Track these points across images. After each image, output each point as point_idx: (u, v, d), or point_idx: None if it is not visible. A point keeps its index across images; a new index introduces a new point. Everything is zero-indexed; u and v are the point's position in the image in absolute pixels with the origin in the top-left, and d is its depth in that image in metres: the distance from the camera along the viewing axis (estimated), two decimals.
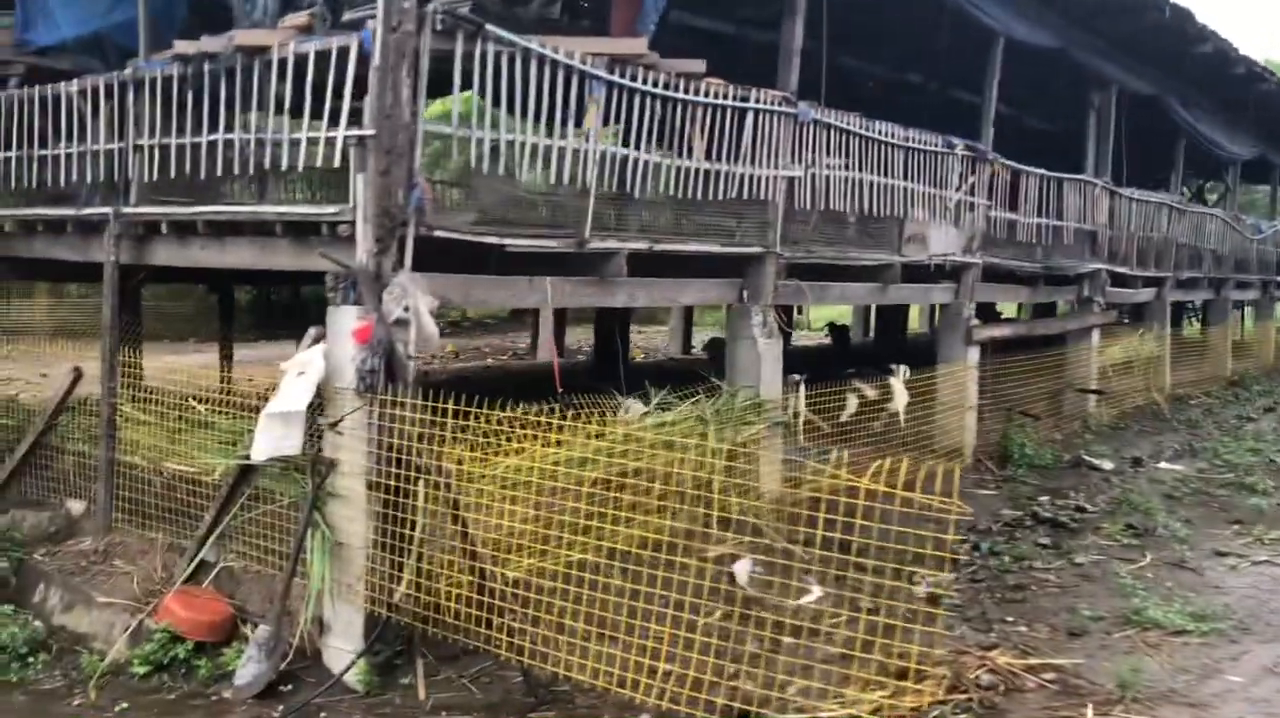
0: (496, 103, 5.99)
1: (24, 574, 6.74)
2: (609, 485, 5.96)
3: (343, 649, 5.58)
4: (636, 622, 5.00)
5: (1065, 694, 5.29)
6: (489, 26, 5.83)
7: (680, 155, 7.22)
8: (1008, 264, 11.67)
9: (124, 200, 6.98)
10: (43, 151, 7.50)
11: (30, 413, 7.95)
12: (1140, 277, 15.01)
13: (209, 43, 6.35)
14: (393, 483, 5.40)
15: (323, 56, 5.76)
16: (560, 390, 6.48)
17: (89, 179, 7.24)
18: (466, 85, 5.89)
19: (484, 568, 5.47)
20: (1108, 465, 10.94)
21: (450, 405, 5.23)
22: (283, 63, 5.93)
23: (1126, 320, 15.15)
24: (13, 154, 7.70)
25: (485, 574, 5.44)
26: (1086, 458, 11.11)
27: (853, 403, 8.31)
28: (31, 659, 5.96)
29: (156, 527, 6.64)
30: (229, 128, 6.29)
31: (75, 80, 7.27)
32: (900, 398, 9.11)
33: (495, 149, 6.07)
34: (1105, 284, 13.68)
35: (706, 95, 7.26)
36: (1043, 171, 11.96)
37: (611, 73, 6.56)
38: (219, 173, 6.39)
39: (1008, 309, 22.65)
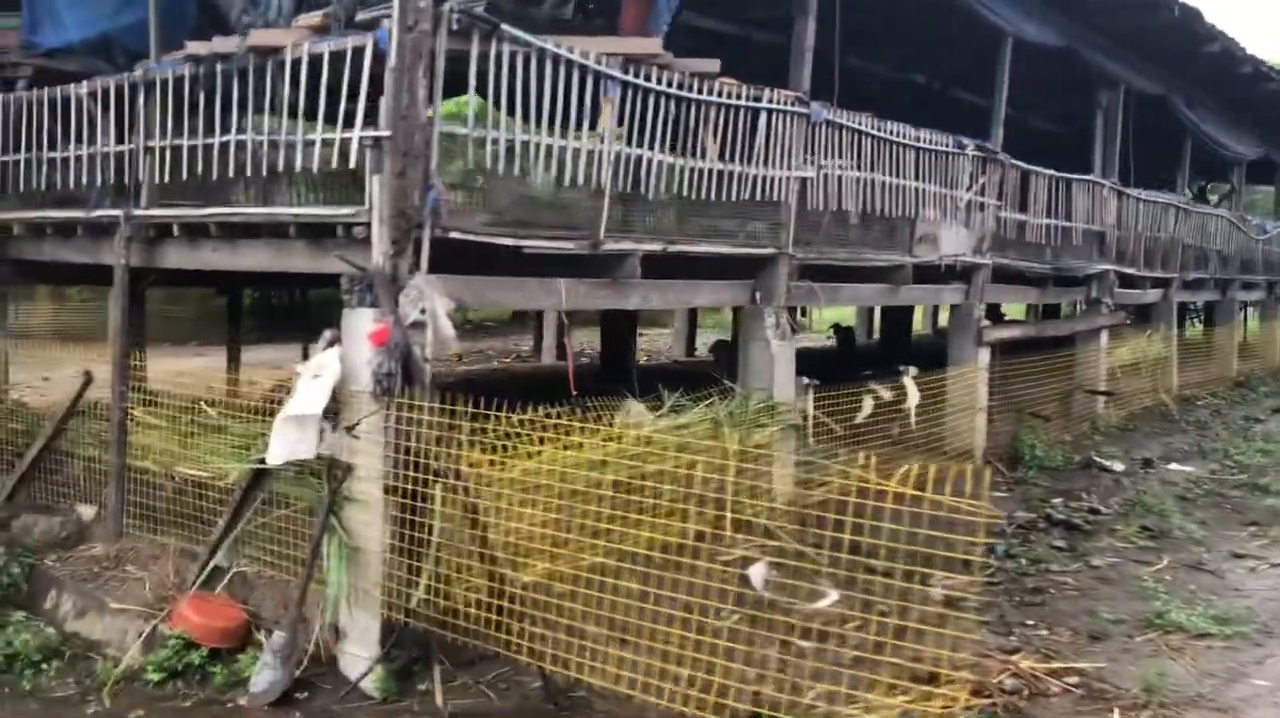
0: (511, 104, 5.93)
1: (35, 580, 6.67)
2: (625, 488, 5.92)
3: (359, 656, 5.52)
4: (653, 626, 4.95)
5: (1090, 699, 5.25)
6: (504, 26, 5.78)
7: (693, 156, 7.17)
8: (1017, 265, 11.63)
9: (134, 203, 6.93)
10: (52, 154, 7.45)
11: (39, 417, 7.89)
12: (1147, 277, 14.98)
13: (221, 43, 6.30)
14: (410, 487, 5.34)
15: (337, 57, 5.71)
16: (575, 393, 6.42)
17: (99, 181, 7.18)
18: (478, 87, 5.84)
19: (502, 573, 5.42)
20: (1118, 467, 10.91)
21: (467, 408, 5.18)
22: (296, 63, 5.88)
23: (1129, 321, 15.12)
24: (21, 156, 7.64)
25: (503, 579, 5.39)
26: (1097, 459, 11.07)
27: (869, 404, 8.26)
28: (44, 666, 5.89)
29: (168, 532, 6.58)
30: (241, 129, 6.24)
31: (85, 82, 7.21)
32: (912, 397, 9.08)
33: (510, 150, 6.02)
34: (1113, 285, 13.65)
35: (720, 95, 7.22)
36: (1052, 172, 11.92)
37: (626, 73, 6.51)
38: (231, 175, 6.34)
39: (1011, 311, 22.64)
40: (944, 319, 27.29)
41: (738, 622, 5.50)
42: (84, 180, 7.28)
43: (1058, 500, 9.36)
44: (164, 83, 6.65)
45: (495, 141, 5.94)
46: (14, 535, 7.03)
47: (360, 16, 5.70)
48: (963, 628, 5.02)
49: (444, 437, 5.30)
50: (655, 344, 24.27)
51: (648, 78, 6.66)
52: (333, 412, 5.54)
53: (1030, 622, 6.37)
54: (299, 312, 16.73)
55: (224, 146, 6.32)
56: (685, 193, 7.16)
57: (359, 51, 5.61)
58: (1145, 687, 5.23)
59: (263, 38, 6.11)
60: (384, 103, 5.45)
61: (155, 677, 5.60)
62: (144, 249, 7.07)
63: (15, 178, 7.72)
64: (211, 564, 6.17)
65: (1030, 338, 12.66)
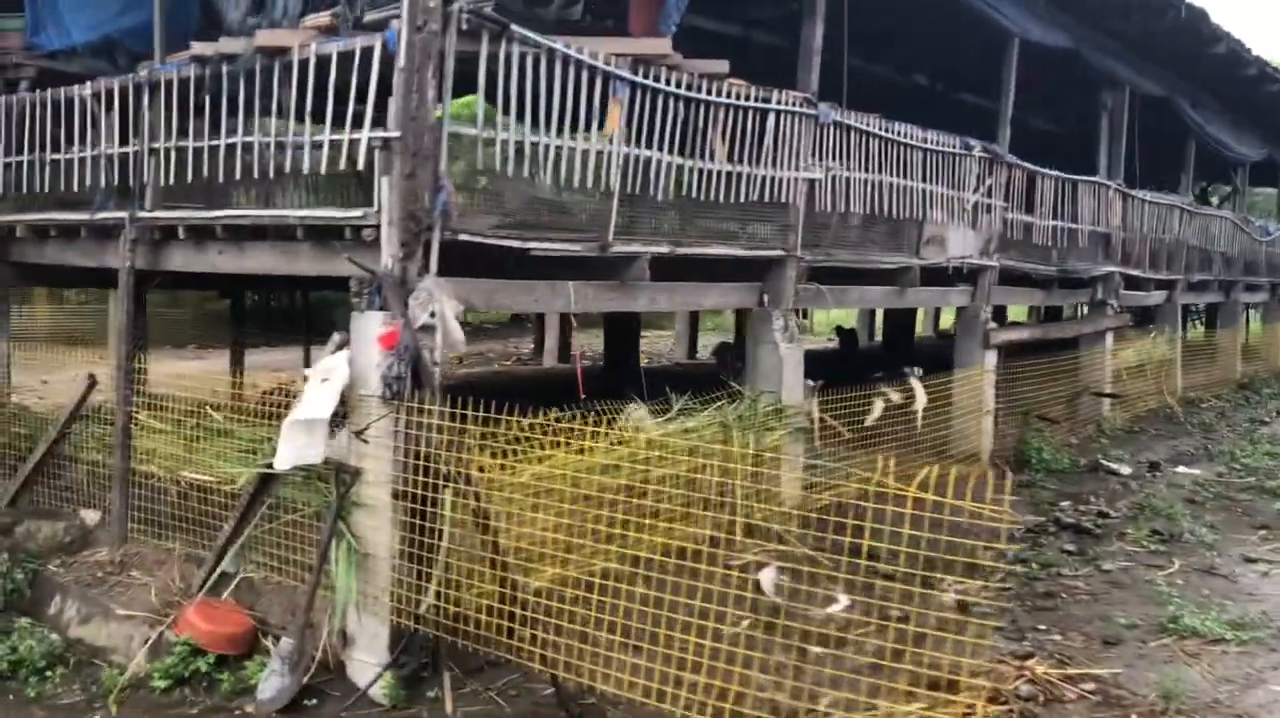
0: (520, 105, 5.88)
1: (39, 586, 6.61)
2: (635, 492, 5.87)
3: (368, 662, 5.46)
4: (664, 631, 4.90)
5: (1107, 705, 5.20)
6: (514, 27, 5.73)
7: (701, 157, 7.12)
8: (1023, 267, 11.59)
9: (139, 205, 6.87)
10: (55, 156, 7.38)
11: (42, 421, 7.83)
12: (1152, 279, 14.95)
13: (227, 44, 6.25)
14: (419, 491, 5.29)
15: (345, 58, 5.66)
16: (584, 396, 6.37)
17: (103, 184, 7.12)
18: (487, 88, 5.78)
19: (513, 578, 5.36)
20: (1125, 470, 10.86)
21: (477, 413, 5.13)
22: (304, 64, 5.83)
23: (1131, 323, 15.09)
24: (24, 158, 7.58)
25: (514, 585, 5.33)
26: (1104, 462, 11.02)
27: (879, 407, 8.21)
28: (49, 673, 5.82)
29: (173, 537, 6.53)
30: (248, 131, 6.18)
31: (89, 83, 7.15)
32: (920, 399, 9.04)
33: (519, 151, 5.97)
34: (1119, 287, 13.62)
35: (729, 96, 7.17)
36: (1058, 174, 11.89)
37: (635, 74, 6.46)
38: (237, 177, 6.28)
39: (1012, 313, 22.60)
40: (945, 321, 27.36)
41: (750, 628, 5.45)
42: (88, 182, 7.21)
43: (1066, 504, 9.30)
44: (169, 84, 6.60)
45: (504, 143, 5.89)
46: (17, 541, 6.96)
47: (369, 17, 5.65)
48: (976, 634, 4.98)
49: (454, 441, 5.24)
50: (655, 346, 24.23)
51: (657, 79, 6.61)
52: (341, 415, 5.48)
53: (1043, 627, 6.31)
54: (299, 315, 16.65)
55: (230, 148, 6.26)
56: (694, 194, 7.12)
57: (367, 52, 5.56)
58: (1163, 693, 5.17)
59: (270, 38, 6.06)
60: (393, 103, 5.40)
61: (161, 684, 5.54)
62: (149, 252, 7.01)
63: (18, 180, 7.65)
64: (218, 570, 6.11)
65: (1037, 340, 12.61)
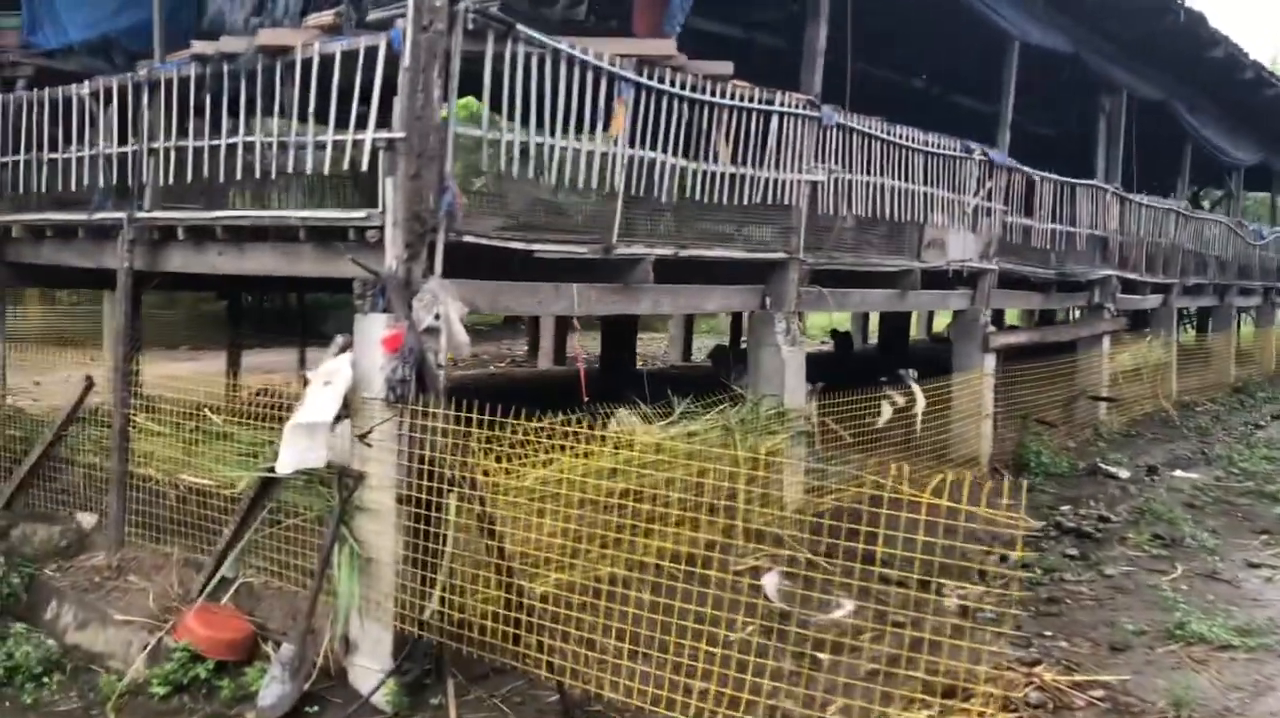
0: (525, 105, 5.83)
1: (35, 591, 6.53)
2: (638, 497, 5.82)
3: (370, 669, 5.40)
4: (669, 638, 4.85)
5: (1117, 713, 5.16)
6: (520, 27, 5.68)
7: (705, 159, 7.08)
8: (1022, 270, 11.57)
9: (138, 205, 6.80)
10: (53, 155, 7.30)
11: (37, 423, 7.75)
12: (1148, 283, 14.95)
13: (228, 43, 6.18)
14: (423, 496, 5.23)
15: (349, 57, 5.60)
16: (587, 399, 6.32)
17: (101, 183, 7.04)
18: (492, 88, 5.73)
19: (517, 584, 5.31)
20: (1124, 474, 10.84)
21: (483, 417, 5.07)
22: (307, 63, 5.76)
23: (1126, 326, 15.08)
24: (21, 158, 7.50)
25: (519, 590, 5.28)
26: (1102, 466, 11.01)
27: (887, 410, 8.18)
28: (46, 679, 5.75)
29: (171, 541, 6.45)
30: (249, 131, 6.12)
31: (87, 82, 7.08)
32: (920, 402, 9.02)
33: (524, 152, 5.92)
34: (1116, 290, 13.62)
35: (733, 98, 7.13)
36: (1057, 177, 11.87)
37: (640, 74, 6.42)
38: (238, 177, 6.21)
39: (1009, 317, 22.64)
40: (939, 324, 27.39)
41: (753, 633, 5.41)
42: (85, 182, 7.14)
43: (1066, 508, 9.28)
44: (169, 83, 6.53)
45: (509, 144, 5.83)
46: (13, 545, 6.89)
47: (372, 16, 5.59)
48: (983, 640, 4.94)
49: (459, 444, 5.19)
50: (649, 349, 24.17)
51: (661, 79, 6.56)
52: (344, 418, 5.42)
53: (1049, 633, 6.26)
54: (293, 316, 16.57)
55: (230, 148, 6.20)
56: (698, 197, 7.07)
57: (372, 52, 5.50)
58: (1173, 701, 5.14)
59: (272, 37, 6.00)
60: (398, 104, 5.34)
61: (160, 690, 5.46)
62: (147, 252, 6.93)
63: (14, 179, 7.57)
64: (218, 575, 6.03)
65: (1036, 343, 12.60)
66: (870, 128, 8.55)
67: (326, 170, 5.81)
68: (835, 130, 8.15)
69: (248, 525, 6.01)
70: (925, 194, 9.32)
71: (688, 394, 7.43)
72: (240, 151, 6.16)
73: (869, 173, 8.61)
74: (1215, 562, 7.81)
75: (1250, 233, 19.32)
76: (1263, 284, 20.31)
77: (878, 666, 4.96)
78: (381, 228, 5.43)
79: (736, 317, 20.54)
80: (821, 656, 5.15)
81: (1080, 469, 10.95)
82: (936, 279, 10.06)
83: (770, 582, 6.34)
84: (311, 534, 5.73)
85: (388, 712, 5.25)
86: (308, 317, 13.92)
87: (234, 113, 6.19)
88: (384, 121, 5.48)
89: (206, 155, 6.33)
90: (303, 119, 5.86)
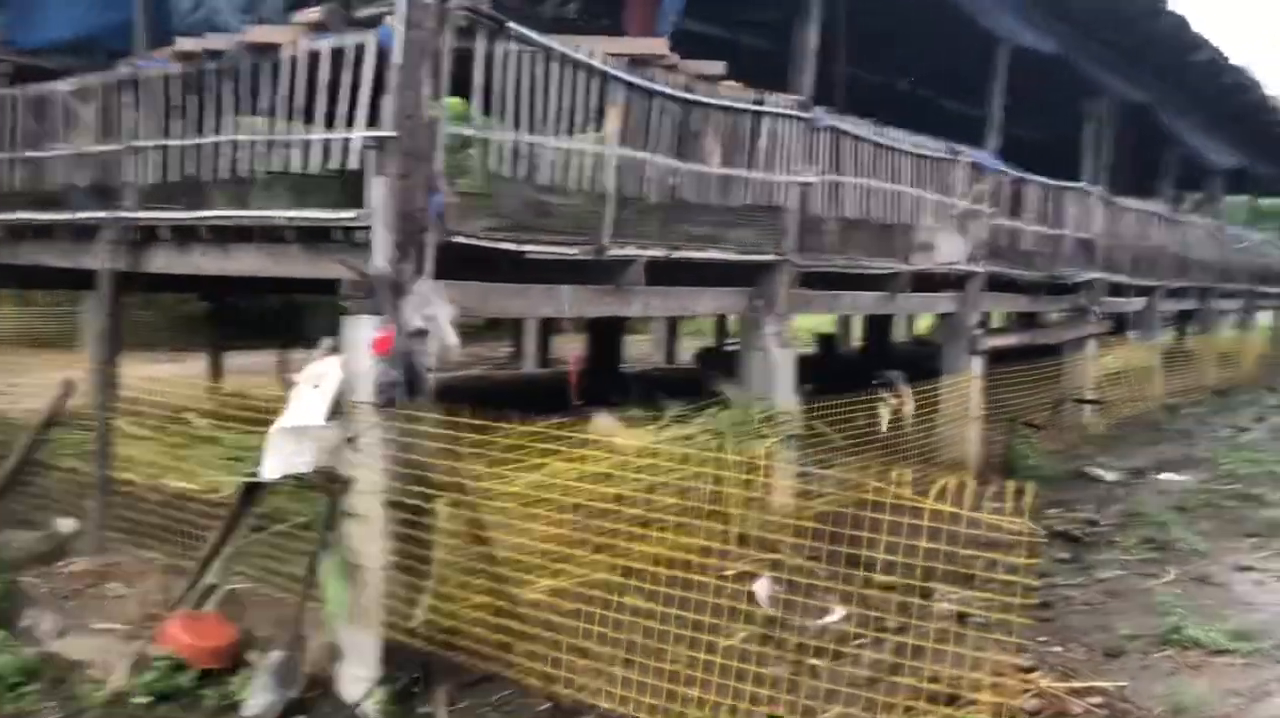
0: (516, 104, 5.75)
1: (13, 598, 6.38)
2: (630, 501, 5.75)
3: (358, 677, 5.29)
4: (660, 645, 4.79)
5: None
6: (511, 25, 5.60)
7: (696, 160, 7.02)
8: (1010, 273, 11.57)
9: (119, 204, 6.68)
10: (31, 153, 7.18)
11: (15, 427, 7.61)
12: (1133, 285, 15.01)
13: (213, 40, 6.08)
14: (412, 501, 5.14)
15: (337, 55, 5.50)
16: (579, 402, 6.26)
17: (82, 182, 6.92)
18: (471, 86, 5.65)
19: (507, 591, 5.23)
20: (1111, 477, 10.86)
21: (476, 420, 5.00)
22: (294, 61, 5.66)
23: (1111, 329, 15.14)
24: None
25: (511, 598, 5.20)
26: (1090, 469, 11.01)
27: (886, 415, 8.14)
28: (24, 689, 5.61)
29: (154, 547, 6.34)
30: (234, 129, 6.01)
31: (69, 79, 6.96)
32: (909, 405, 9.00)
33: (515, 151, 5.84)
34: (1103, 293, 13.65)
35: (724, 99, 7.07)
36: (1044, 180, 11.89)
37: (632, 73, 6.35)
38: (224, 176, 6.10)
39: (993, 319, 22.64)
40: (920, 327, 27.42)
41: (746, 639, 5.35)
42: (66, 181, 7.01)
43: (1054, 511, 9.24)
44: (151, 80, 6.42)
45: (499, 144, 5.75)
46: None
47: (361, 12, 5.50)
48: (978, 646, 4.90)
49: (448, 449, 5.10)
50: (632, 350, 24.09)
51: (653, 79, 6.50)
52: (332, 422, 5.32)
53: (1043, 638, 6.22)
54: (271, 318, 16.39)
55: (215, 147, 6.09)
56: (689, 198, 7.00)
57: (360, 49, 5.40)
58: (1171, 707, 5.10)
59: (258, 34, 5.90)
60: (387, 102, 5.25)
61: (143, 700, 5.33)
62: (129, 253, 6.81)
63: None
64: (202, 582, 5.92)
65: (1024, 346, 12.61)
66: (860, 130, 8.51)
67: (317, 169, 5.69)
68: (826, 132, 8.11)
69: (233, 531, 5.90)
70: (915, 197, 9.31)
71: (674, 396, 7.37)
72: (227, 150, 6.05)
73: (859, 175, 8.58)
74: (1206, 565, 7.79)
75: (1230, 237, 19.44)
76: (1244, 287, 20.44)
77: (874, 673, 4.90)
78: (370, 228, 5.33)
79: (721, 319, 20.51)
80: (813, 662, 5.10)
81: (1067, 472, 10.94)
82: (925, 281, 10.03)
83: (762, 587, 6.28)
84: (298, 540, 5.63)
85: None
86: (289, 318, 13.77)
87: (219, 111, 6.08)
88: (373, 120, 5.38)
89: (195, 154, 6.22)
90: (290, 117, 5.76)
